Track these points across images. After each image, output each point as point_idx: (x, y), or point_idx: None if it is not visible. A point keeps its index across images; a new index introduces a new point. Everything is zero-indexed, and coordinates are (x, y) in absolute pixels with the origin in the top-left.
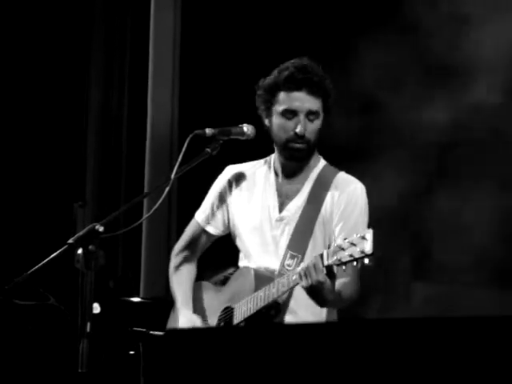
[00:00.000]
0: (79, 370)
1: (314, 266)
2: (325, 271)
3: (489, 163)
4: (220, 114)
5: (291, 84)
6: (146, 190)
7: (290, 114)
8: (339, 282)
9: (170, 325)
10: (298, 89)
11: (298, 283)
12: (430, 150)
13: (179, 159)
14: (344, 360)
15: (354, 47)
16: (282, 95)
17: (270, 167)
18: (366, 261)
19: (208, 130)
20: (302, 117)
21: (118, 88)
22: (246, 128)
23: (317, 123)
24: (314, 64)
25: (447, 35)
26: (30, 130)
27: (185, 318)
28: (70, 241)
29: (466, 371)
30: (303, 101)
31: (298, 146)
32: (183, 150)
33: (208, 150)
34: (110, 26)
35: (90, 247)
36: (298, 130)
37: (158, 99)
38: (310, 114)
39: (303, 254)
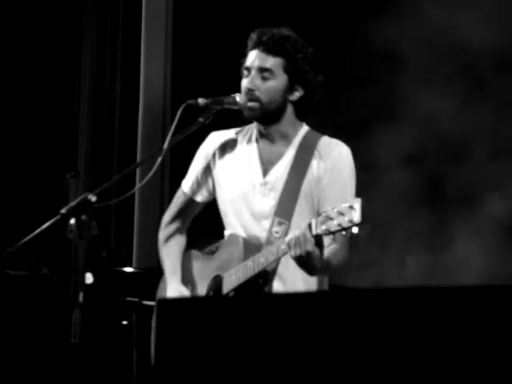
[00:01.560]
0: (72, 341)
1: (303, 236)
2: (313, 241)
3: None
4: (212, 84)
5: (251, 44)
6: (138, 159)
7: (246, 71)
8: (328, 250)
9: (159, 295)
10: (254, 47)
11: (286, 252)
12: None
13: (172, 129)
14: (335, 330)
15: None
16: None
17: (251, 133)
18: (355, 230)
19: (200, 100)
20: (252, 72)
21: (111, 59)
22: (239, 97)
23: (271, 82)
24: (287, 31)
25: None
26: (22, 101)
27: (173, 288)
28: (63, 211)
29: (461, 342)
30: (256, 58)
31: (248, 104)
32: (176, 119)
33: (201, 119)
34: (103, 4)
35: (83, 217)
36: (243, 84)
37: (151, 70)
38: (263, 71)
39: (290, 221)
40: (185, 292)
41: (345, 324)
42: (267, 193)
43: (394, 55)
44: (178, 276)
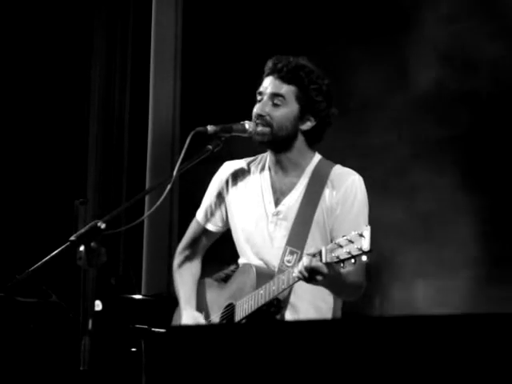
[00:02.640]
0: (81, 368)
1: (315, 266)
2: (325, 268)
3: None
4: (222, 111)
5: (266, 70)
6: (147, 187)
7: (258, 96)
8: (344, 271)
9: (174, 324)
10: (269, 74)
11: (298, 280)
12: None
13: (181, 156)
14: (345, 357)
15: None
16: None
17: (265, 162)
18: (364, 258)
19: (210, 127)
20: (265, 98)
21: (120, 85)
22: (248, 125)
23: (283, 109)
24: (303, 60)
25: None
26: (31, 127)
27: (188, 315)
28: (72, 238)
29: (468, 369)
30: (269, 84)
31: (258, 129)
32: (185, 147)
33: (210, 147)
34: (112, 22)
35: (92, 244)
36: (254, 109)
37: (160, 96)
38: (275, 97)
39: (302, 250)
40: (199, 319)
41: (355, 352)
42: (279, 222)
43: None
44: (193, 304)
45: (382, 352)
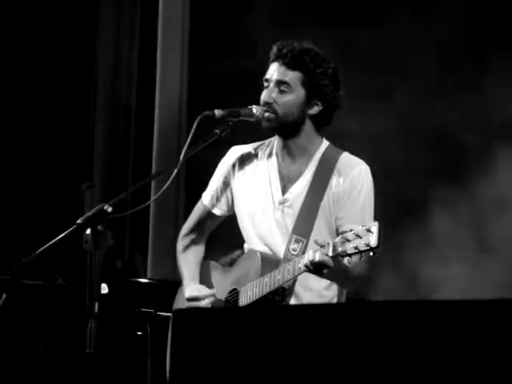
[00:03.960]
0: (87, 351)
1: (321, 260)
2: (332, 261)
3: None
4: (229, 96)
5: (272, 56)
6: (153, 171)
7: (265, 82)
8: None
9: (177, 305)
10: (274, 60)
11: (303, 272)
12: None
13: (188, 141)
14: (348, 342)
15: None
16: None
17: (272, 148)
18: (371, 254)
19: (217, 112)
20: (271, 85)
21: (127, 69)
22: (256, 109)
23: (289, 96)
24: (308, 44)
25: None
26: (38, 112)
27: (191, 288)
28: (79, 221)
29: (470, 355)
30: (275, 71)
31: (265, 114)
32: (192, 131)
33: (217, 131)
34: (119, 10)
35: (99, 228)
36: (262, 96)
37: (167, 80)
38: (281, 85)
39: (308, 238)
40: (203, 290)
41: (358, 337)
42: (286, 210)
43: None
44: (196, 281)
45: (385, 337)
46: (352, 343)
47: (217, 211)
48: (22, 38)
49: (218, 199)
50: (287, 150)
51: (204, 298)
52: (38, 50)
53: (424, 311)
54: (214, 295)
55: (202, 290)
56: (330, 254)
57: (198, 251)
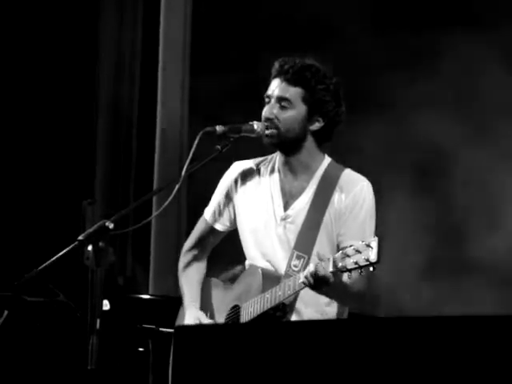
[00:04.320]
0: (88, 367)
1: (321, 275)
2: (331, 277)
3: None
4: (231, 111)
5: (273, 72)
6: (155, 187)
7: (267, 99)
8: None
9: (179, 321)
10: (276, 76)
11: (304, 287)
12: None
13: (189, 156)
14: (349, 358)
15: None
16: None
17: (274, 164)
18: (371, 269)
19: (218, 128)
20: (272, 101)
21: (128, 85)
22: (257, 125)
23: (290, 112)
24: (309, 60)
25: None
26: (39, 127)
27: (190, 315)
28: (80, 237)
29: (471, 370)
30: (276, 87)
31: (267, 130)
32: (193, 147)
33: (218, 147)
34: (120, 23)
35: (100, 244)
36: (263, 112)
37: (168, 96)
38: (282, 101)
39: (309, 255)
40: (203, 318)
41: (359, 353)
42: (288, 226)
43: None
44: (197, 303)
45: (385, 353)
46: (353, 359)
47: (219, 227)
48: (22, 58)
49: (220, 214)
50: (289, 167)
51: None
52: (40, 65)
53: (426, 327)
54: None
55: (202, 318)
56: (330, 269)
57: (199, 268)
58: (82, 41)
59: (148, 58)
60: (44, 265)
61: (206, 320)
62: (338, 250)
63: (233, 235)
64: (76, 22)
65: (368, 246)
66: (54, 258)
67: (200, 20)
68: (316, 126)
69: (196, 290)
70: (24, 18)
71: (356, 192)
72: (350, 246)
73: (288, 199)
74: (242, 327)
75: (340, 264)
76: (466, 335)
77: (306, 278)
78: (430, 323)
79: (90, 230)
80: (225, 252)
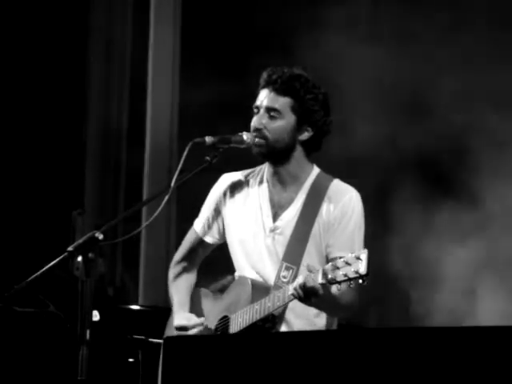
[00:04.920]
0: (79, 378)
1: (310, 286)
2: (321, 289)
3: None
4: (220, 122)
5: (262, 82)
6: (144, 197)
7: (256, 110)
8: (337, 292)
9: (168, 332)
10: (264, 86)
11: (293, 299)
12: None
13: (179, 167)
14: (338, 369)
15: None
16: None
17: (263, 175)
18: (360, 281)
19: (207, 138)
20: (261, 112)
21: (118, 95)
22: (246, 136)
23: (279, 122)
24: (298, 70)
25: None
26: (29, 138)
27: (180, 316)
28: (70, 248)
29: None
30: (265, 97)
31: (256, 140)
32: (183, 157)
33: (208, 158)
34: (110, 35)
35: (90, 255)
36: (251, 123)
37: (158, 107)
38: (271, 111)
39: (298, 266)
40: (192, 318)
41: (348, 364)
42: (276, 237)
43: None
44: (186, 307)
45: (376, 364)
46: (341, 370)
47: (209, 239)
48: (13, 70)
49: (209, 227)
50: (278, 177)
51: (192, 327)
52: (31, 77)
53: (415, 338)
54: (202, 324)
55: (191, 319)
56: (320, 280)
57: (189, 279)
58: (71, 53)
59: (137, 70)
60: (34, 275)
61: (196, 320)
62: (328, 262)
63: (223, 246)
64: (66, 33)
65: (358, 258)
66: (44, 269)
67: (190, 32)
68: (305, 135)
69: (185, 297)
70: (11, 32)
71: (345, 202)
72: (340, 257)
73: (277, 210)
74: (230, 338)
75: (330, 276)
76: (460, 347)
77: (295, 289)
78: (419, 334)
79: (80, 241)
80: (215, 263)
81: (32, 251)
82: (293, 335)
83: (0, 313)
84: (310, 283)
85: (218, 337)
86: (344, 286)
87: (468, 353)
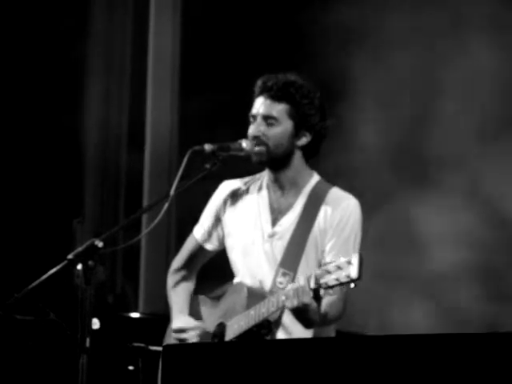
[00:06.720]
0: None
1: (302, 288)
2: (312, 294)
3: None
4: (220, 129)
5: (257, 90)
6: (144, 205)
7: (252, 118)
8: (325, 302)
9: (167, 340)
10: (259, 94)
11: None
12: None
13: (178, 175)
14: (335, 375)
15: None
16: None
17: (262, 182)
18: (352, 285)
19: (207, 146)
20: (258, 120)
21: (117, 102)
22: (245, 143)
23: (277, 129)
24: (292, 76)
25: None
26: (28, 146)
27: (179, 320)
28: (70, 256)
29: None
30: (261, 105)
31: (255, 148)
32: (182, 165)
33: (207, 166)
34: (111, 44)
35: (90, 263)
36: (249, 131)
37: (157, 114)
38: (268, 119)
39: (295, 272)
40: (191, 321)
41: (348, 371)
42: (275, 243)
43: None
44: (185, 312)
45: (371, 371)
46: (336, 378)
47: (209, 246)
48: (10, 74)
49: (209, 234)
50: (277, 183)
51: (191, 330)
52: (29, 82)
53: (415, 346)
54: (200, 327)
55: (189, 322)
56: (312, 285)
57: (188, 286)
58: (70, 58)
59: (137, 77)
60: (34, 283)
61: (193, 323)
62: (320, 266)
63: (222, 252)
64: (65, 39)
65: (349, 262)
66: (44, 277)
67: (189, 39)
68: (303, 140)
69: (184, 302)
70: (10, 34)
71: (342, 208)
72: (331, 262)
73: (276, 215)
74: (230, 346)
75: (321, 281)
76: (458, 354)
77: (286, 293)
78: (418, 341)
79: (80, 249)
80: (214, 269)
81: (32, 259)
82: (292, 343)
83: (0, 321)
84: (302, 288)
85: (218, 344)
86: (335, 290)
87: (467, 359)
